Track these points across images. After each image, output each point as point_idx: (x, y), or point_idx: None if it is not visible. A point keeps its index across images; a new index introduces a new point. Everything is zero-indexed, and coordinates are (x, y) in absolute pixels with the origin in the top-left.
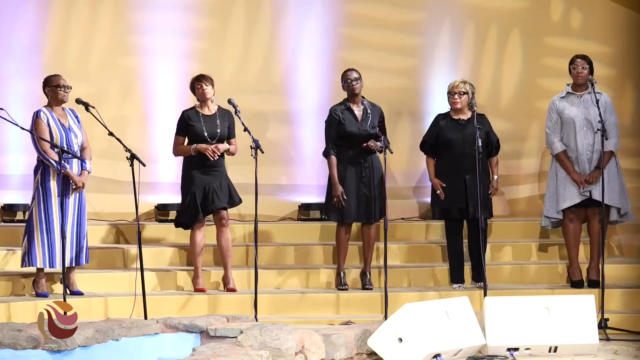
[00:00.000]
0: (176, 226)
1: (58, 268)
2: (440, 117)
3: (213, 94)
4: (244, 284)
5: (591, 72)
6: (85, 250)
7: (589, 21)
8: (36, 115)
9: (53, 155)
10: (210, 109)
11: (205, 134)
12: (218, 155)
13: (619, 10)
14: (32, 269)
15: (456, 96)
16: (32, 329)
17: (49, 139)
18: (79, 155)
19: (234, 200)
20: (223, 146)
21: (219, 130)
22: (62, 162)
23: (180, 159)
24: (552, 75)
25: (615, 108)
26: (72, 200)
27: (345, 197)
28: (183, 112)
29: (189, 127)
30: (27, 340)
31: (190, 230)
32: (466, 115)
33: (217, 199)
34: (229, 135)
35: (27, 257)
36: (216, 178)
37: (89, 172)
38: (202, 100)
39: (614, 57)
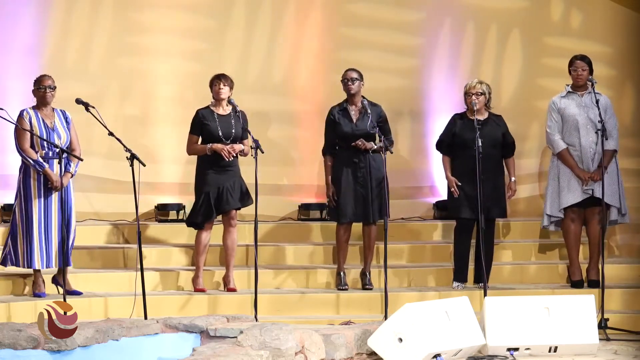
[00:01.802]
0: (188, 225)
1: (38, 268)
2: (457, 117)
3: (229, 95)
4: (244, 284)
5: (591, 72)
6: (69, 252)
7: (589, 21)
8: (19, 115)
9: (32, 154)
10: (225, 109)
11: (220, 134)
12: (233, 156)
13: (619, 10)
14: (32, 270)
15: (474, 97)
16: (32, 329)
17: (29, 139)
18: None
19: (245, 200)
20: (238, 147)
21: (233, 131)
22: (40, 160)
23: (184, 158)
24: (552, 75)
25: (615, 108)
26: (54, 200)
27: (336, 197)
28: (197, 111)
29: (203, 126)
30: (27, 340)
31: (201, 229)
32: (483, 115)
33: (230, 199)
34: (242, 136)
35: (8, 257)
36: (230, 178)
37: (72, 175)
38: (217, 99)
39: (614, 57)
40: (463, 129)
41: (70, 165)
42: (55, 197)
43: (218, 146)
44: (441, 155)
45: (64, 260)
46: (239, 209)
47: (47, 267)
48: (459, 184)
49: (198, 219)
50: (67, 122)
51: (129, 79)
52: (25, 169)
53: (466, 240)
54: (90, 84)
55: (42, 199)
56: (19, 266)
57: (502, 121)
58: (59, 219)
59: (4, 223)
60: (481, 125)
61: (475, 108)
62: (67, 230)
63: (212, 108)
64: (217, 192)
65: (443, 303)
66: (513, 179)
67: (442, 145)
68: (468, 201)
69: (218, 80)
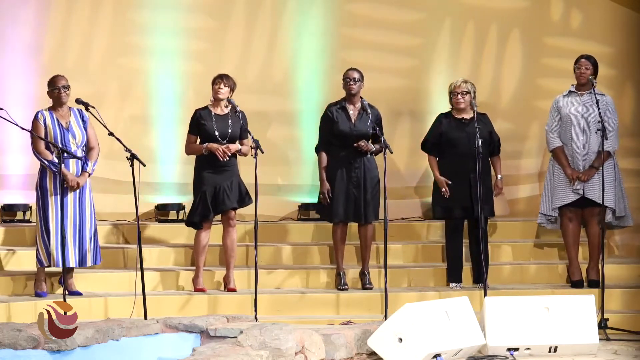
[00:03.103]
0: (187, 225)
1: (58, 267)
2: (442, 117)
3: (228, 96)
4: (244, 284)
5: (595, 72)
6: (92, 251)
7: (589, 21)
8: (35, 117)
9: (47, 156)
10: (223, 109)
11: (217, 134)
12: (228, 156)
13: (619, 10)
14: (33, 269)
15: (459, 96)
16: (32, 329)
17: (44, 139)
18: (78, 155)
19: (244, 200)
20: (234, 146)
21: (229, 130)
22: (57, 161)
23: (184, 158)
24: (551, 75)
25: (615, 108)
26: (70, 200)
27: (331, 195)
28: (195, 111)
29: (200, 126)
30: (27, 340)
31: (200, 229)
32: (468, 114)
33: (227, 199)
34: (241, 136)
35: (36, 258)
36: (227, 177)
37: (89, 174)
38: (215, 98)
39: (614, 57)
40: (449, 129)
41: (87, 165)
42: (71, 197)
43: (213, 146)
44: (427, 156)
45: (63, 260)
46: (236, 209)
47: (63, 266)
48: (450, 182)
49: (195, 219)
50: (83, 121)
51: (129, 79)
52: (42, 170)
53: (458, 240)
54: (90, 84)
55: (59, 199)
56: (43, 265)
57: (488, 119)
58: (74, 219)
59: (4, 223)
60: (467, 123)
61: (474, 108)
62: (82, 230)
63: (210, 108)
64: (214, 191)
65: (443, 303)
66: (500, 176)
67: (427, 145)
68: (457, 201)
69: (220, 79)
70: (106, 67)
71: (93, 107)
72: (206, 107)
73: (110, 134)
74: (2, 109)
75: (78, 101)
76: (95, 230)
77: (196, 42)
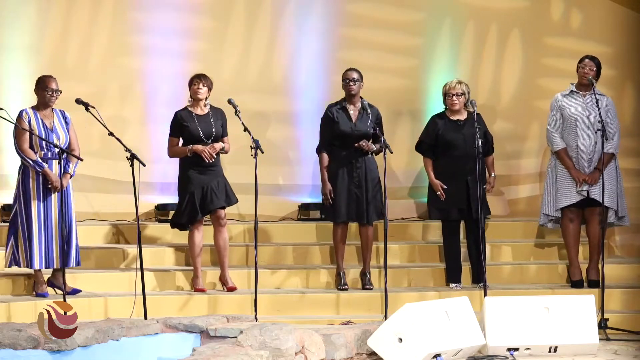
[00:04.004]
0: (172, 227)
1: (38, 268)
2: (436, 118)
3: (207, 96)
4: (244, 284)
5: (598, 74)
6: (74, 252)
7: (589, 21)
8: (18, 115)
9: (31, 155)
10: (203, 109)
11: (201, 134)
12: (214, 157)
13: (619, 10)
14: (34, 270)
15: (454, 97)
16: (32, 329)
17: (28, 139)
18: (61, 156)
19: (230, 199)
20: (219, 145)
21: (214, 130)
22: (39, 160)
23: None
24: (552, 75)
25: (616, 108)
26: (54, 200)
27: (333, 195)
28: (176, 113)
29: (183, 128)
30: (27, 340)
31: (186, 230)
32: (463, 115)
33: (215, 199)
34: (222, 134)
35: (12, 257)
36: (213, 177)
37: (71, 176)
38: (195, 99)
39: (614, 57)
40: (445, 130)
41: (69, 166)
42: (54, 198)
43: (199, 148)
44: (423, 157)
45: (64, 260)
46: (224, 208)
47: (46, 267)
48: (445, 187)
49: (182, 220)
50: (66, 122)
51: (128, 79)
52: (24, 170)
53: (456, 240)
54: (90, 84)
55: (42, 200)
56: (20, 266)
57: (481, 119)
58: (59, 219)
59: (4, 223)
60: (463, 124)
61: (474, 108)
62: (68, 230)
63: (190, 109)
64: (202, 192)
65: (443, 303)
66: (493, 174)
67: (422, 146)
68: (453, 203)
69: (197, 79)
70: (106, 67)
71: (93, 107)
72: (185, 108)
73: (110, 134)
74: (2, 109)
75: (78, 101)
76: (76, 232)
77: (196, 42)
